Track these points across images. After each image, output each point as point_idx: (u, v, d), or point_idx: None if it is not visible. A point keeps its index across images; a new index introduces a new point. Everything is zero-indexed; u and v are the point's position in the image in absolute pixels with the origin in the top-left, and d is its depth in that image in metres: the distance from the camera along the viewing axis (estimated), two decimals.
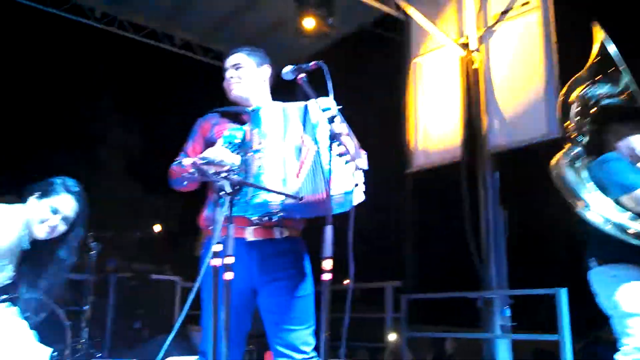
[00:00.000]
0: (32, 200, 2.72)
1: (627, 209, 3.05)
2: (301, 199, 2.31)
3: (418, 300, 6.49)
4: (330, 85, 2.32)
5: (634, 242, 3.01)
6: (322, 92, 2.35)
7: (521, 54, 6.24)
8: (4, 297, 2.73)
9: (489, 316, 5.82)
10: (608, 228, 3.07)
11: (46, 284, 2.79)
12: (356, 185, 2.36)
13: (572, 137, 3.39)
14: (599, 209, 3.11)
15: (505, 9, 6.47)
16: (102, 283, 5.86)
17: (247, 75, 2.74)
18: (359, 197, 2.38)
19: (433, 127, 6.92)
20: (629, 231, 3.02)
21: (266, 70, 2.81)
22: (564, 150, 3.37)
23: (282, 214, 2.39)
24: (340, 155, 2.27)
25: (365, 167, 2.43)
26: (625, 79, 3.39)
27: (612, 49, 3.44)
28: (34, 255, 2.75)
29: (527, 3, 6.29)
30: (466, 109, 6.53)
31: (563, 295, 4.80)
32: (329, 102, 2.35)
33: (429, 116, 7.00)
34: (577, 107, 3.43)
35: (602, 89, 3.45)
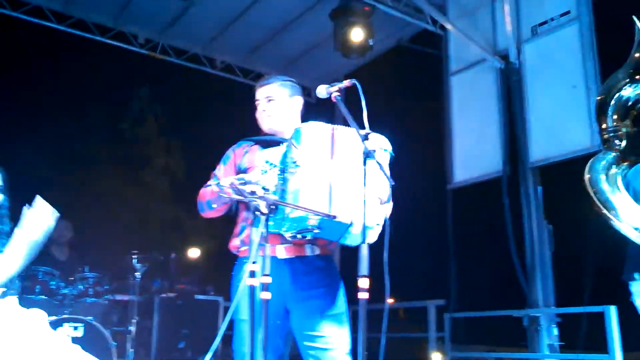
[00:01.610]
0: None
1: None
2: (334, 217, 2.30)
3: (462, 319, 6.38)
4: (363, 103, 2.32)
5: None
6: (357, 112, 2.36)
7: (562, 64, 6.12)
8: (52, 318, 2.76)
9: (536, 335, 5.67)
10: None
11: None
12: (377, 224, 2.33)
13: (608, 140, 3.22)
14: (632, 221, 2.95)
15: (544, 19, 6.37)
16: (146, 304, 5.95)
17: (278, 108, 2.76)
18: (373, 237, 2.34)
19: (473, 141, 6.84)
20: None
21: (298, 101, 2.82)
22: (598, 154, 3.20)
23: (317, 231, 2.39)
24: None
25: (387, 215, 2.41)
26: None
27: None
28: None
29: (566, 12, 6.17)
30: (506, 123, 6.44)
31: (612, 313, 4.63)
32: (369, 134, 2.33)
33: (469, 130, 6.93)
34: (613, 108, 3.25)
35: None
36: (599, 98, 3.32)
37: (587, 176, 3.14)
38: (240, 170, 2.64)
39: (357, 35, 6.66)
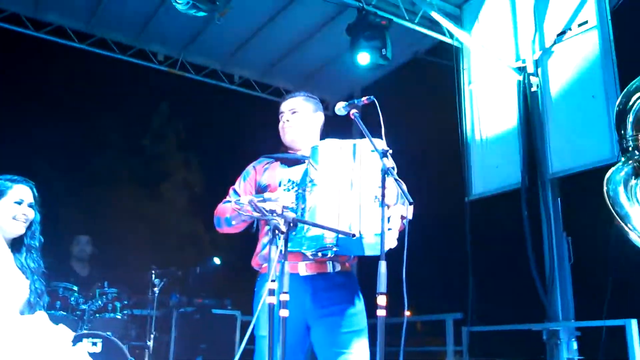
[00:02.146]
0: None
1: None
2: (353, 235, 2.31)
3: (480, 333, 6.31)
4: (382, 120, 2.34)
5: None
6: (375, 126, 2.38)
7: (581, 75, 6.07)
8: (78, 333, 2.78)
9: (555, 349, 5.59)
10: None
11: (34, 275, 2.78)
12: (389, 229, 2.31)
13: (627, 150, 3.16)
14: None
15: (562, 29, 6.34)
16: (164, 318, 5.98)
17: (301, 121, 2.80)
18: (390, 242, 2.32)
19: (491, 152, 6.81)
20: None
21: (320, 117, 2.88)
22: (617, 164, 3.15)
23: (336, 249, 2.40)
24: (380, 197, 2.26)
25: (410, 217, 2.40)
26: None
27: None
28: (17, 252, 2.78)
29: (585, 23, 6.13)
30: (525, 134, 6.40)
31: (633, 327, 4.55)
32: (379, 143, 2.35)
33: (487, 142, 6.89)
34: (634, 116, 3.19)
35: None
36: (618, 105, 3.27)
37: (605, 188, 3.10)
38: (260, 187, 2.68)
39: (363, 59, 6.62)
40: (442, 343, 6.87)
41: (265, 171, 2.74)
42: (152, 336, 5.13)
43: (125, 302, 5.27)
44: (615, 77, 5.79)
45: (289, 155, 2.77)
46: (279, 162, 2.75)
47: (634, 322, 4.58)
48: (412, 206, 2.44)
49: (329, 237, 2.33)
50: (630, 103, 3.21)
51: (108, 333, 4.72)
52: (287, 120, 2.81)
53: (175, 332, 5.99)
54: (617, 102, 3.29)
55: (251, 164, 2.84)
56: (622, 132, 3.20)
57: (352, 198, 2.37)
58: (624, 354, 4.62)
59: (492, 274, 6.65)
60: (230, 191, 2.81)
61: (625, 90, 3.28)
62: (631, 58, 5.92)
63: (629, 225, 2.94)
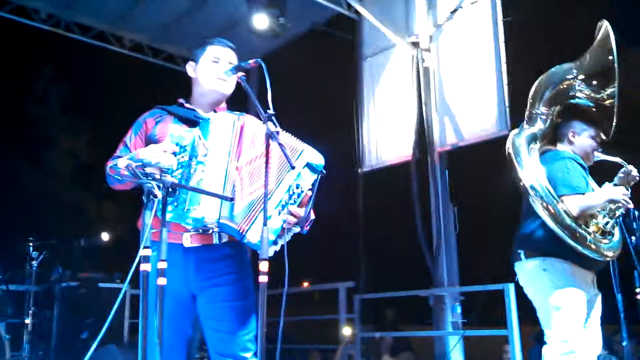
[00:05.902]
0: None
1: (566, 208, 3.03)
2: (232, 199, 2.25)
3: (371, 300, 6.49)
4: (268, 83, 2.27)
5: (563, 236, 2.99)
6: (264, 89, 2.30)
7: (471, 52, 6.28)
8: None
9: (440, 313, 5.86)
10: (542, 211, 3.04)
11: None
12: (275, 243, 2.30)
13: (532, 118, 3.35)
14: (542, 190, 3.08)
15: (455, 7, 6.51)
16: (46, 293, 5.66)
17: (234, 78, 2.60)
18: (269, 251, 2.26)
19: (385, 126, 6.94)
20: (565, 223, 2.99)
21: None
22: (519, 129, 3.34)
23: (217, 229, 2.35)
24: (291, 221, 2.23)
25: (305, 230, 2.39)
26: (614, 88, 3.26)
27: (614, 47, 3.25)
28: None
29: (476, 1, 6.33)
30: (417, 108, 6.56)
31: (511, 290, 4.82)
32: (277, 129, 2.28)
33: (381, 115, 7.02)
34: (552, 91, 3.38)
35: (586, 88, 3.36)
36: (543, 78, 3.43)
37: (510, 138, 3.27)
38: (151, 141, 2.51)
39: (261, 23, 6.51)
40: (337, 311, 6.99)
41: (157, 124, 2.57)
42: (30, 312, 4.82)
43: None
44: (503, 52, 6.04)
45: (185, 113, 2.60)
46: (172, 117, 2.59)
47: (511, 286, 4.86)
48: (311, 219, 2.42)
49: (210, 220, 2.27)
50: (554, 81, 3.38)
51: None
52: (224, 72, 2.58)
53: (57, 308, 5.68)
54: (545, 75, 3.44)
55: (143, 116, 2.64)
56: (535, 103, 3.37)
57: (236, 178, 2.31)
58: (504, 315, 4.89)
59: (383, 244, 6.83)
60: (121, 145, 2.62)
61: (556, 68, 3.43)
62: (519, 36, 6.19)
63: (525, 180, 3.12)
